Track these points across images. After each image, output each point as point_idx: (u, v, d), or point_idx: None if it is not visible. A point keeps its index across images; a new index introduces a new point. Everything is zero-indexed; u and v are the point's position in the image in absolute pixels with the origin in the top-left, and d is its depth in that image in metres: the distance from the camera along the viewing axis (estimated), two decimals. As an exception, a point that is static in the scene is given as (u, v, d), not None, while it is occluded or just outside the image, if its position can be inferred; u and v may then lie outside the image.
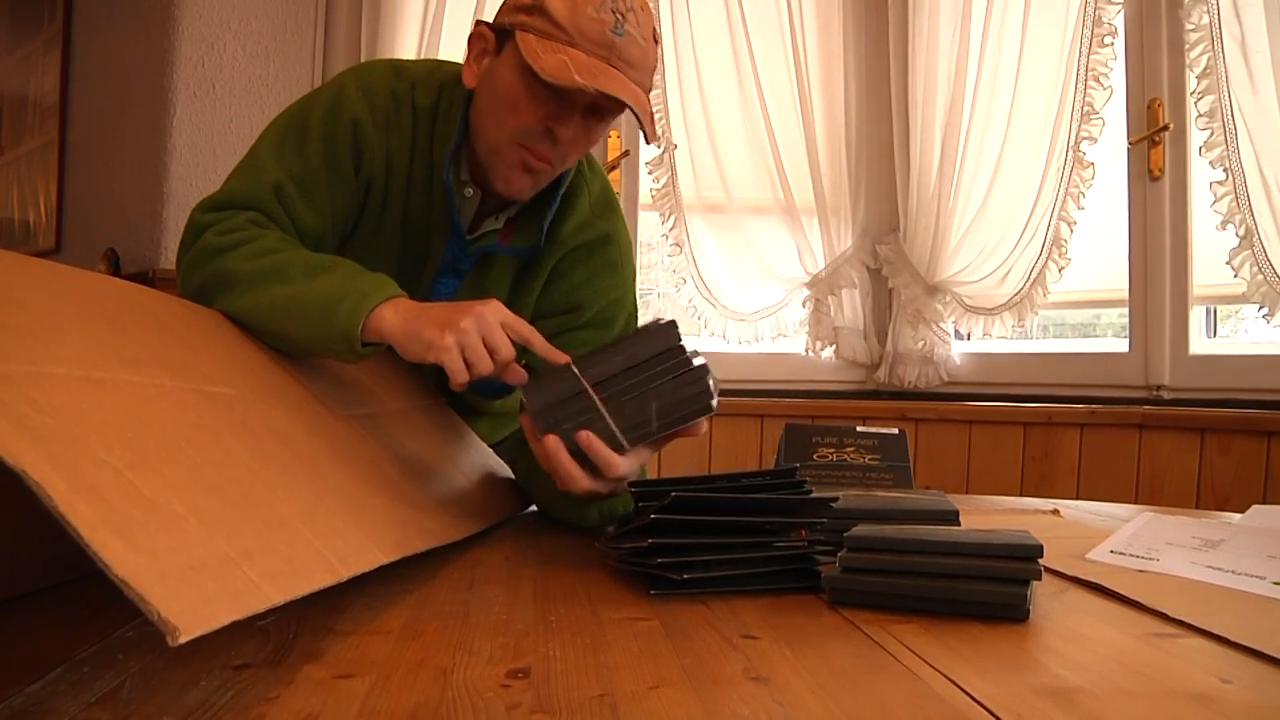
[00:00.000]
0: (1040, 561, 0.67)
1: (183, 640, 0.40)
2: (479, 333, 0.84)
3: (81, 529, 0.41)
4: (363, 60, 2.34)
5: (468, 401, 1.23)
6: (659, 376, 0.83)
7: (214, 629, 0.43)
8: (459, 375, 0.83)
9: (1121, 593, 0.72)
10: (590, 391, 0.82)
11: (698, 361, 0.84)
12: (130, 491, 0.47)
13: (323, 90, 1.04)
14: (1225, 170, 1.90)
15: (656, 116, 2.33)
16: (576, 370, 0.83)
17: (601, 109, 0.95)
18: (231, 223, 0.94)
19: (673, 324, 0.85)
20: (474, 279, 1.09)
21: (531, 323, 1.08)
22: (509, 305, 1.09)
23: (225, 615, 0.44)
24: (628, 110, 0.92)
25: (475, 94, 1.00)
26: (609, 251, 1.11)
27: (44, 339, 0.56)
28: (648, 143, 0.97)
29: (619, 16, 0.90)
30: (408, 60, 1.09)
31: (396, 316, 0.86)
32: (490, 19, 0.99)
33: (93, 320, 0.64)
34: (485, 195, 1.05)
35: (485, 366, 0.84)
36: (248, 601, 0.47)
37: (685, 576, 0.70)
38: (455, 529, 0.86)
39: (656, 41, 0.98)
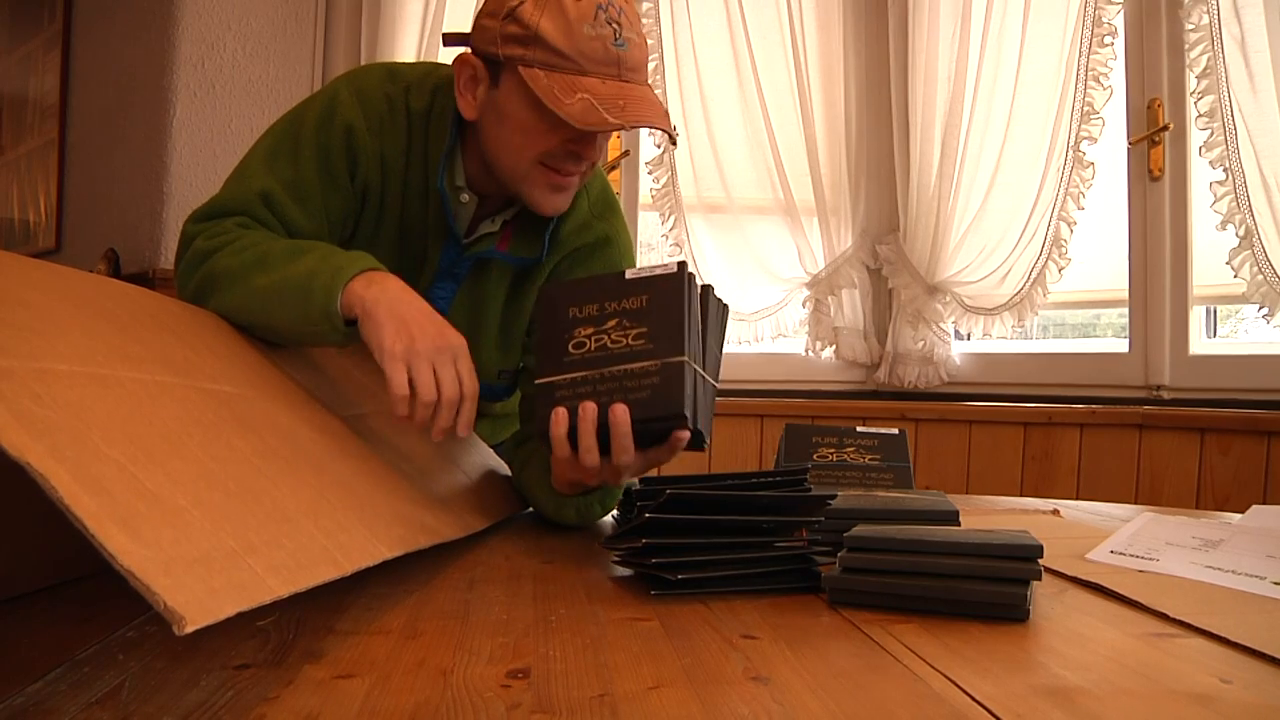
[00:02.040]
0: (1040, 561, 0.67)
1: (189, 630, 0.40)
2: (430, 361, 0.82)
3: (87, 521, 0.41)
4: (362, 61, 2.34)
5: None
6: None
7: (220, 620, 0.42)
8: (398, 389, 0.81)
9: (1121, 593, 0.72)
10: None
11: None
12: (134, 485, 0.47)
13: (316, 97, 1.03)
14: (1225, 170, 1.90)
15: (656, 116, 2.33)
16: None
17: None
18: (218, 228, 0.95)
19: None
20: (471, 283, 1.08)
21: (531, 324, 1.08)
22: (506, 309, 1.09)
23: (231, 607, 0.44)
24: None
25: (480, 124, 0.98)
26: (609, 253, 1.10)
27: (46, 336, 0.56)
28: (672, 144, 0.98)
29: (615, 27, 0.89)
30: (402, 63, 1.09)
31: (369, 291, 0.84)
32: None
33: (93, 319, 0.64)
34: (482, 200, 1.05)
35: (428, 396, 0.82)
36: (253, 593, 0.47)
37: (680, 577, 0.70)
38: (457, 526, 0.86)
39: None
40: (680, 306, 0.81)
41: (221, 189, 1.00)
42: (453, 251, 1.06)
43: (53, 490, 0.41)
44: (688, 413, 0.79)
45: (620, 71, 0.90)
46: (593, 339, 0.82)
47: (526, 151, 0.94)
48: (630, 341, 0.81)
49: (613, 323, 0.82)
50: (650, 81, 2.50)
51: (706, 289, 0.86)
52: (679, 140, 2.33)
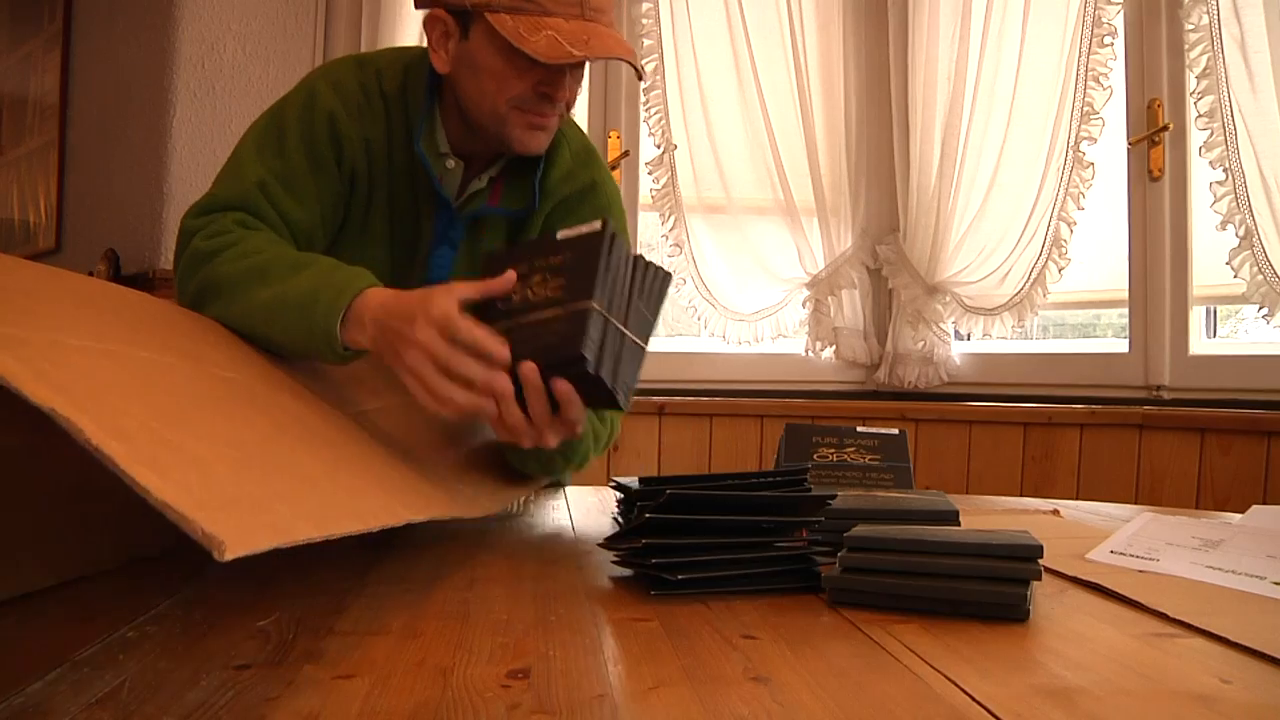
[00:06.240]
0: (1040, 561, 0.67)
1: (229, 557, 0.39)
2: (429, 361, 0.79)
3: (118, 460, 0.40)
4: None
5: None
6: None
7: (258, 551, 0.42)
8: (438, 407, 0.80)
9: (1121, 593, 0.72)
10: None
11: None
12: (157, 436, 0.47)
13: (294, 93, 1.05)
14: (1225, 170, 1.90)
15: (657, 117, 2.34)
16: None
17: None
18: (218, 225, 0.95)
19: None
20: (468, 245, 1.09)
21: None
22: None
23: (267, 541, 0.43)
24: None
25: (453, 77, 1.00)
26: (596, 198, 1.12)
27: (56, 321, 0.56)
28: (640, 79, 1.00)
29: None
30: (369, 52, 1.12)
31: (363, 334, 0.83)
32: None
33: (99, 315, 0.64)
34: (468, 163, 1.06)
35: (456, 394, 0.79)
36: (287, 532, 0.46)
37: (680, 577, 0.70)
38: (472, 505, 0.86)
39: None
40: (596, 259, 0.81)
41: (216, 183, 1.02)
42: (445, 217, 1.07)
43: (79, 432, 0.40)
44: (588, 355, 0.77)
45: (584, 10, 0.92)
46: (516, 294, 0.83)
47: (500, 97, 0.96)
48: (548, 293, 0.82)
49: (537, 278, 0.83)
50: (650, 82, 2.49)
51: (640, 258, 0.86)
52: (679, 140, 2.33)
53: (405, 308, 0.81)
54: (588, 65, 1.01)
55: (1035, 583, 0.67)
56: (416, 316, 0.79)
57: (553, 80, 0.95)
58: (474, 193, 1.07)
